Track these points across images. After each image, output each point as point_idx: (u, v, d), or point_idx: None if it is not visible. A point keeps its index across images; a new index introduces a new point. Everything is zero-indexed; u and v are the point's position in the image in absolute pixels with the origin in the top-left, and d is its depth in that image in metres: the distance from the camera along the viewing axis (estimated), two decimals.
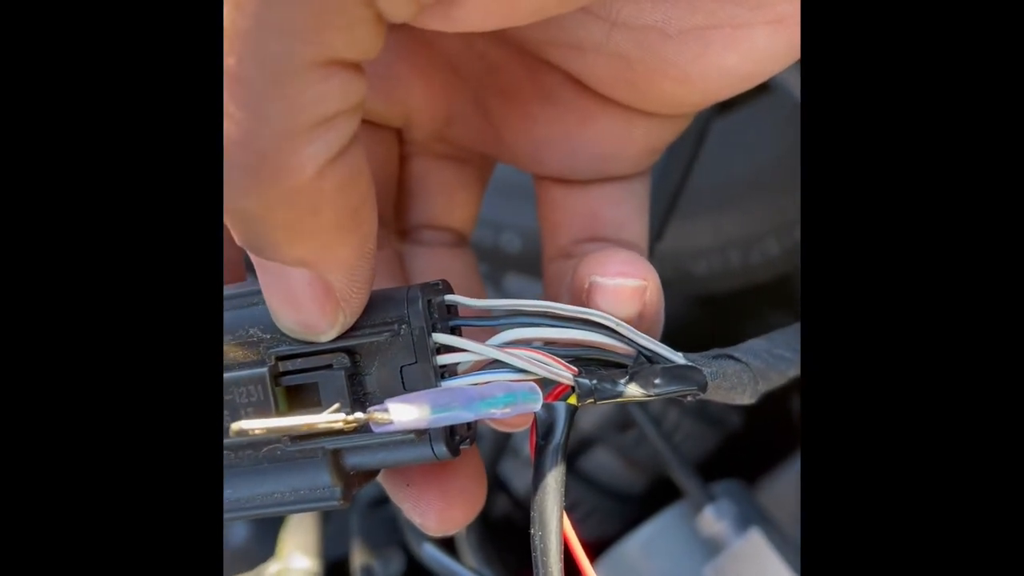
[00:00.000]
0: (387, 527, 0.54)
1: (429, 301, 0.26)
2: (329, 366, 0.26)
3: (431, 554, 0.43)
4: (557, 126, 0.30)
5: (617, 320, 0.27)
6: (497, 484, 0.58)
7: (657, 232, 0.43)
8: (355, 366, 0.26)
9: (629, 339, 0.27)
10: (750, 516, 0.45)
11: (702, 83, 0.27)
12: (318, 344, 0.26)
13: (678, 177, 0.43)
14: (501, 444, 0.56)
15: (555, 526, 0.26)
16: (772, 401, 0.62)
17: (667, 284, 0.30)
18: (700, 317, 0.58)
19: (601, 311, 0.27)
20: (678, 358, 0.27)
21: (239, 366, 0.26)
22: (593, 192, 0.32)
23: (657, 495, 0.58)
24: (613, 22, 0.26)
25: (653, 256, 0.45)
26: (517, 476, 0.60)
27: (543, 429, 0.27)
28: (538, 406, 0.26)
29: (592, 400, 0.27)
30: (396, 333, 0.25)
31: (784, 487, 0.55)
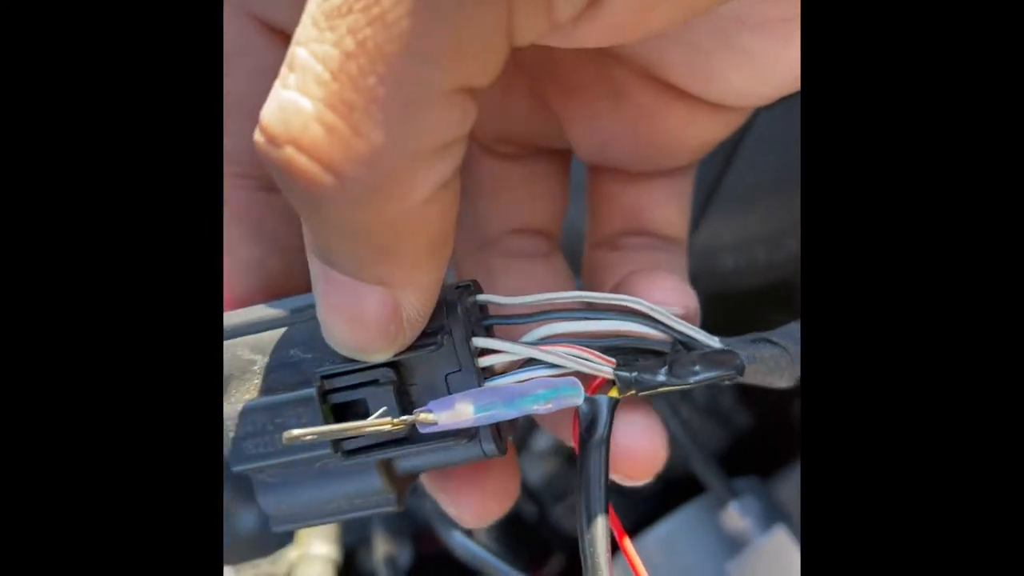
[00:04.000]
0: (408, 514, 0.54)
1: (468, 317, 0.26)
2: (375, 381, 0.26)
3: (460, 542, 0.43)
4: (623, 120, 0.30)
5: (651, 305, 0.27)
6: None
7: (693, 225, 0.43)
8: (400, 379, 0.26)
9: (665, 324, 0.27)
10: (773, 514, 0.45)
11: (777, 76, 0.27)
12: (363, 362, 0.26)
13: (718, 170, 0.43)
14: (516, 439, 0.55)
15: (602, 519, 0.26)
16: (781, 399, 0.63)
17: (694, 278, 0.30)
18: (723, 313, 0.58)
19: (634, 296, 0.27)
20: (714, 342, 0.28)
21: (283, 388, 0.26)
22: (644, 186, 0.32)
23: (669, 492, 0.58)
24: None
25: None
26: (530, 469, 0.60)
27: (585, 423, 0.27)
28: (580, 400, 0.26)
29: (633, 392, 0.27)
30: (439, 344, 0.26)
31: (793, 488, 0.55)
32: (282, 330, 0.27)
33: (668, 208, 0.32)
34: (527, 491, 0.60)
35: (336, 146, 0.21)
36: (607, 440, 0.27)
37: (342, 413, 0.26)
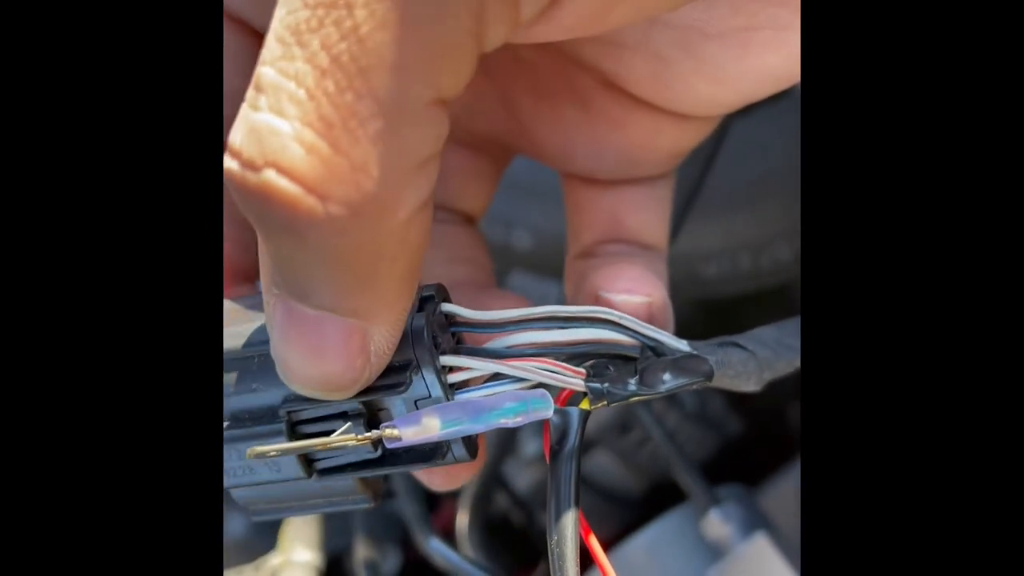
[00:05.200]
0: (390, 522, 0.54)
1: (434, 335, 0.25)
2: (344, 413, 0.25)
3: (437, 549, 0.43)
4: (587, 128, 0.30)
5: (620, 314, 0.27)
6: (499, 482, 0.58)
7: (672, 231, 0.43)
8: (369, 410, 0.26)
9: (634, 331, 0.27)
10: (755, 520, 0.45)
11: (739, 84, 0.27)
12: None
13: (696, 177, 0.43)
14: (505, 444, 0.55)
15: (572, 531, 0.26)
16: (771, 406, 0.63)
17: (675, 285, 0.30)
18: (706, 320, 0.58)
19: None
20: (683, 346, 0.28)
21: (250, 422, 0.26)
22: (618, 193, 0.32)
23: (655, 499, 0.58)
24: (654, 20, 0.26)
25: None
26: (518, 475, 0.60)
27: (556, 435, 0.27)
28: (550, 412, 0.26)
29: (604, 403, 0.27)
30: (408, 384, 0.25)
31: (784, 493, 0.55)
32: (241, 365, 0.26)
33: (645, 214, 0.32)
34: (514, 497, 0.60)
35: (318, 166, 0.20)
36: (578, 452, 0.27)
37: None
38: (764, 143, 0.50)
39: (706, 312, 0.58)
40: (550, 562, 0.25)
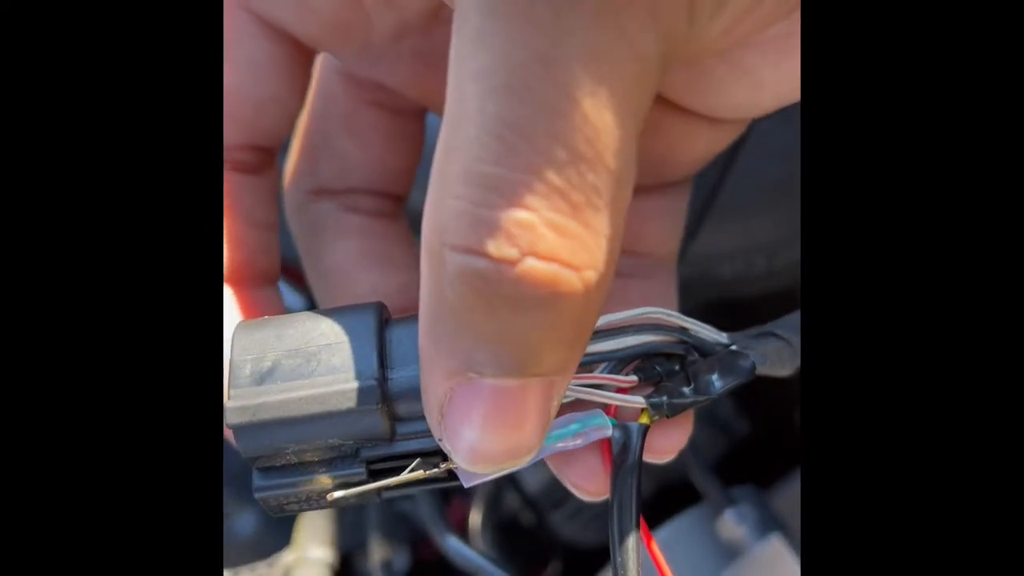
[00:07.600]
0: (403, 520, 0.54)
1: None
2: (417, 453, 0.26)
3: (454, 547, 0.43)
4: None
5: (667, 311, 0.28)
6: (510, 482, 0.58)
7: (690, 233, 0.43)
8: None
9: (679, 327, 0.28)
10: (769, 522, 0.45)
11: (776, 90, 0.27)
12: (402, 445, 0.26)
13: (715, 180, 0.43)
14: None
15: (633, 542, 0.26)
16: (779, 409, 0.63)
17: (691, 286, 0.30)
18: (722, 321, 0.58)
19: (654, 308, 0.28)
20: (723, 338, 0.28)
21: (329, 463, 0.26)
22: (640, 202, 0.32)
23: (662, 501, 0.58)
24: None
25: (683, 258, 0.45)
26: (529, 475, 0.60)
27: (617, 448, 0.27)
28: (610, 430, 0.27)
29: (666, 414, 0.27)
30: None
31: (797, 495, 0.55)
32: (314, 424, 0.26)
33: (663, 223, 0.33)
34: (525, 498, 0.60)
35: (573, 245, 0.21)
36: (639, 465, 0.27)
37: (385, 472, 0.27)
38: (780, 146, 0.50)
39: (721, 312, 0.58)
40: (612, 570, 0.26)
